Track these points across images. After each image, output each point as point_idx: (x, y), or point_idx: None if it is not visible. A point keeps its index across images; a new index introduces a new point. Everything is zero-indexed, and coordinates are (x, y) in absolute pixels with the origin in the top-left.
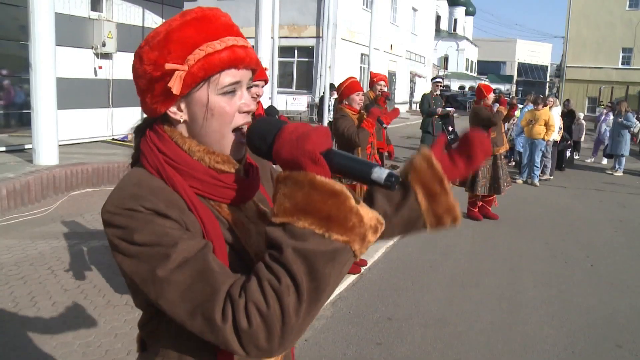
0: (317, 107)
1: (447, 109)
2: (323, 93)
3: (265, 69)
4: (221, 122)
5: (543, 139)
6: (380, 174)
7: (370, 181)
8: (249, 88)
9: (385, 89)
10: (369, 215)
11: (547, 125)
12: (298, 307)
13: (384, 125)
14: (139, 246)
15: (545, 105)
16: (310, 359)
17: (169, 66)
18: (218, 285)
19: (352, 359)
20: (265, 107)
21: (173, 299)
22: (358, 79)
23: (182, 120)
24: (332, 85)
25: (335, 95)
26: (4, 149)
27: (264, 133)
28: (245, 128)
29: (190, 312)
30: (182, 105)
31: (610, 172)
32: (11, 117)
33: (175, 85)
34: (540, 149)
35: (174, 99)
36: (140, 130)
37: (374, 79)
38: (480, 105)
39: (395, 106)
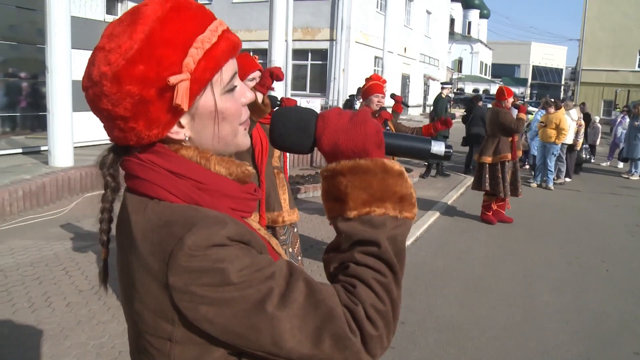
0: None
1: (452, 113)
2: (350, 96)
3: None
4: (232, 122)
5: (555, 143)
6: (439, 146)
7: (430, 155)
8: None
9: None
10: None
11: (558, 128)
12: (399, 293)
13: (387, 129)
14: (237, 286)
15: (558, 108)
16: None
17: (174, 79)
18: (331, 299)
19: None
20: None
21: (292, 333)
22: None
23: (186, 139)
24: (358, 90)
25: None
26: (20, 150)
27: (300, 126)
28: (246, 120)
29: (315, 340)
30: (184, 121)
31: (626, 176)
32: (27, 119)
33: (184, 99)
34: (553, 153)
35: (177, 118)
36: (109, 162)
37: (371, 92)
38: (503, 109)
39: (410, 110)
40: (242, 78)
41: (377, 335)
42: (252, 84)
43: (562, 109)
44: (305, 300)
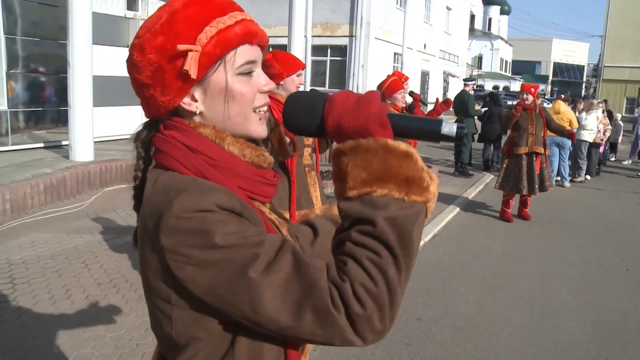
0: None
1: (481, 109)
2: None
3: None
4: (243, 104)
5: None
6: (450, 127)
7: (440, 137)
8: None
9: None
10: (433, 173)
11: (571, 125)
12: (399, 277)
13: None
14: (222, 249)
15: (574, 106)
16: (339, 358)
17: (182, 47)
18: (317, 275)
19: (380, 359)
20: None
21: (274, 302)
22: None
23: (197, 112)
24: (411, 92)
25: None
26: (41, 145)
27: (309, 107)
28: (264, 108)
29: (296, 312)
30: (197, 94)
31: None
32: (49, 114)
33: (192, 67)
34: (569, 149)
35: (188, 87)
36: (143, 136)
37: (394, 90)
38: (511, 105)
39: (429, 107)
40: (291, 72)
41: (365, 315)
42: (299, 79)
43: (560, 101)
44: (291, 270)
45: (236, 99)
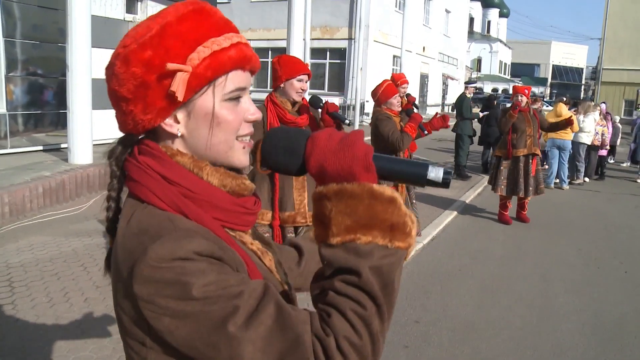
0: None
1: (480, 112)
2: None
3: (307, 64)
4: (227, 132)
5: (565, 139)
6: (437, 172)
7: (426, 182)
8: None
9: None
10: (412, 214)
11: (572, 128)
12: (382, 328)
13: (426, 132)
14: (199, 301)
15: (576, 109)
16: None
17: (171, 66)
18: (301, 327)
19: None
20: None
21: (254, 356)
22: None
23: (179, 134)
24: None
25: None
26: (40, 148)
27: (290, 146)
28: (247, 138)
29: None
30: (180, 116)
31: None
32: (48, 117)
33: (180, 89)
34: (569, 151)
35: (172, 109)
36: (118, 153)
37: (397, 82)
38: (506, 109)
39: (428, 109)
40: (293, 76)
41: None
42: (300, 84)
43: (561, 104)
44: (273, 323)
45: (221, 126)
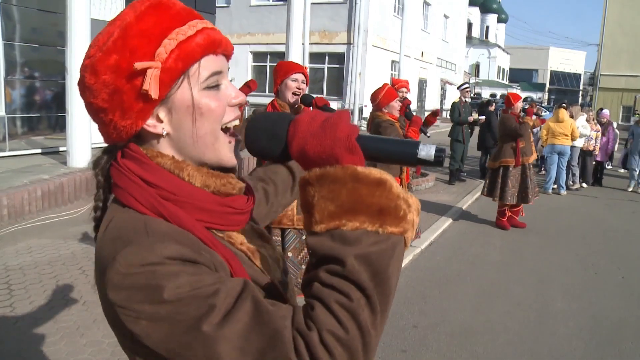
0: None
1: (479, 117)
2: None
3: (305, 67)
4: (212, 120)
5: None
6: (428, 150)
7: (417, 161)
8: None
9: (407, 96)
10: (411, 198)
11: (572, 134)
12: (374, 320)
13: (428, 135)
14: (171, 304)
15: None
16: None
17: (139, 65)
18: (279, 324)
19: None
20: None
21: (231, 355)
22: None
23: (164, 134)
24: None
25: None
26: (39, 151)
27: (272, 129)
28: (235, 122)
29: None
30: (162, 114)
31: (631, 190)
32: (47, 120)
33: (152, 86)
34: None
35: (151, 108)
36: (103, 163)
37: (395, 85)
38: (508, 115)
39: (426, 114)
40: (287, 76)
41: None
42: (295, 84)
43: (562, 110)
44: (250, 320)
45: (205, 115)
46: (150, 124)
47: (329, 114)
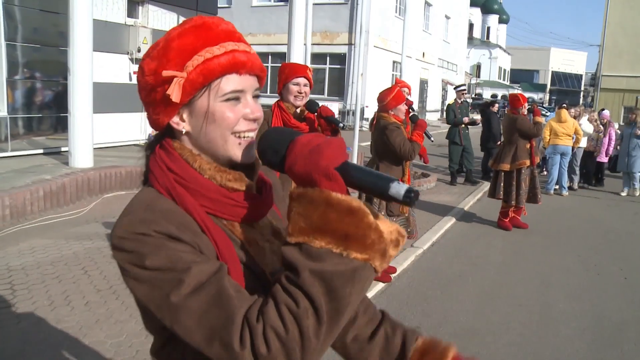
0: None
1: (474, 118)
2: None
3: (309, 69)
4: (222, 127)
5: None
6: (398, 189)
7: (388, 197)
8: (252, 95)
9: (409, 97)
10: (389, 229)
11: (576, 134)
12: (318, 330)
13: (432, 139)
14: (151, 271)
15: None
16: None
17: (166, 73)
18: (235, 310)
19: None
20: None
21: (189, 325)
22: (388, 87)
23: (184, 132)
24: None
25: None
26: (41, 151)
27: (276, 145)
28: (248, 134)
29: (207, 339)
30: (185, 115)
31: (624, 194)
32: (49, 120)
33: (174, 92)
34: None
35: (175, 109)
36: (151, 148)
37: (399, 101)
38: (520, 116)
39: (427, 115)
40: (288, 80)
41: (268, 356)
42: (297, 88)
43: (564, 110)
44: (212, 300)
45: (217, 122)
46: (175, 122)
47: (324, 139)
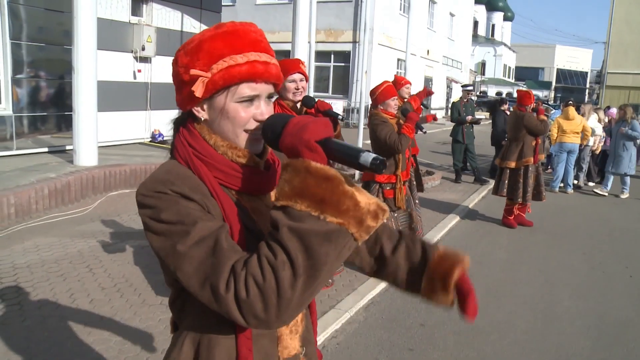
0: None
1: (477, 117)
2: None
3: (302, 63)
4: (234, 123)
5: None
6: (366, 157)
7: (359, 165)
8: (269, 97)
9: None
10: (366, 200)
11: (585, 131)
12: (293, 282)
13: (424, 131)
14: (165, 224)
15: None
16: None
17: (194, 72)
18: (225, 260)
19: None
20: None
21: (188, 271)
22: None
23: (202, 119)
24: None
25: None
26: (46, 149)
27: (274, 125)
28: (257, 133)
29: (201, 283)
30: (205, 106)
31: (615, 195)
32: (53, 118)
33: (198, 89)
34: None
35: (197, 101)
36: (176, 123)
37: (400, 82)
38: (528, 113)
39: (432, 112)
40: (284, 78)
41: (247, 300)
42: (293, 85)
43: (571, 108)
44: (209, 250)
45: (230, 118)
46: (196, 109)
47: (311, 119)
